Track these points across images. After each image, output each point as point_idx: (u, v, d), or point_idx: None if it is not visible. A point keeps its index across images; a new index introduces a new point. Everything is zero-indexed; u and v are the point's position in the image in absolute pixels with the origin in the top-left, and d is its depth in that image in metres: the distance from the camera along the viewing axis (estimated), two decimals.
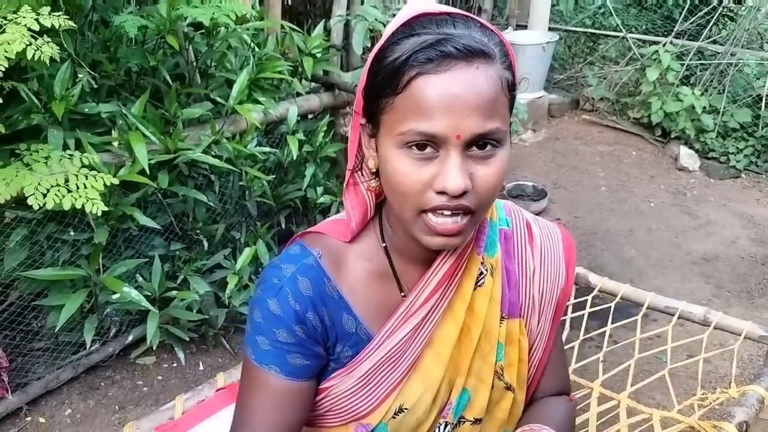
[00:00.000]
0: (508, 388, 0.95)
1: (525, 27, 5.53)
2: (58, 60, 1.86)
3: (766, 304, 3.06)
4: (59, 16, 1.82)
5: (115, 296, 2.22)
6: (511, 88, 0.76)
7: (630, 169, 4.56)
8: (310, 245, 0.86)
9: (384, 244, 0.88)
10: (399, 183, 0.74)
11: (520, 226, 0.97)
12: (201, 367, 2.58)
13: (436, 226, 0.74)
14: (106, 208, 1.91)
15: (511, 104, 0.78)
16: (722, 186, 4.34)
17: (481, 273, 0.90)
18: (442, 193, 0.73)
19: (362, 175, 0.86)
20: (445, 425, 0.93)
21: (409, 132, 0.71)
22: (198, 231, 2.53)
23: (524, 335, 0.94)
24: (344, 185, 0.87)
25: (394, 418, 0.88)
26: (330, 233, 0.88)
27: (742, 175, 4.46)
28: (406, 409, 0.88)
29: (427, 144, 0.72)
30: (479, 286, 0.89)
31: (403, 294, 0.88)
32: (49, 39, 1.80)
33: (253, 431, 0.84)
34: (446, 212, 0.74)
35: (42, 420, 2.31)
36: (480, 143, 0.73)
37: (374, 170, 0.82)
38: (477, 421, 0.94)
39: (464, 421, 0.94)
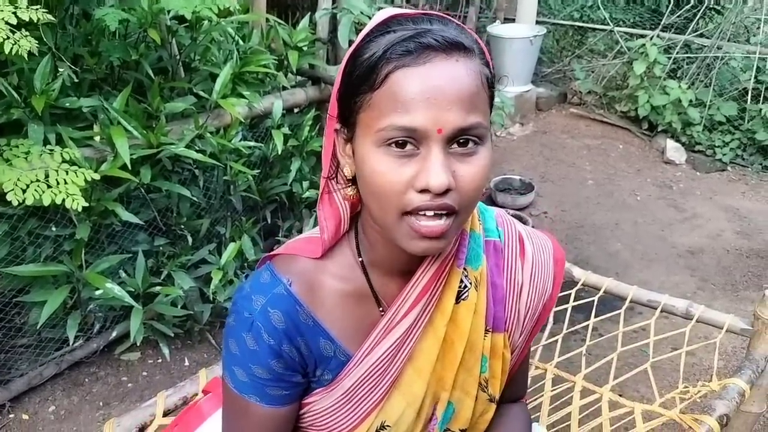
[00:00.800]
0: (492, 400, 0.93)
1: (513, 20, 5.52)
2: (38, 54, 1.84)
3: (750, 297, 3.08)
4: (38, 9, 1.80)
5: (98, 292, 2.20)
6: (491, 85, 0.75)
7: (617, 162, 4.58)
8: (281, 271, 0.83)
9: (360, 259, 0.85)
10: (378, 184, 0.71)
11: (512, 239, 0.94)
12: (186, 363, 2.57)
13: (421, 228, 0.71)
14: (86, 204, 1.90)
15: (491, 102, 0.76)
16: (708, 179, 4.37)
17: (465, 286, 0.87)
18: (424, 191, 0.69)
19: (337, 182, 0.83)
20: None
21: (388, 127, 0.69)
22: (182, 226, 2.51)
23: (508, 349, 0.93)
24: (319, 195, 0.84)
25: None
26: (301, 253, 0.85)
27: (728, 168, 4.49)
28: (388, 426, 0.87)
29: (407, 141, 0.69)
30: (463, 299, 0.87)
31: (381, 310, 0.86)
32: (28, 33, 1.78)
33: None
34: (429, 212, 0.71)
35: (25, 417, 2.30)
36: (461, 140, 0.70)
37: (350, 177, 0.79)
38: (462, 431, 0.93)
39: None
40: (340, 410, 0.86)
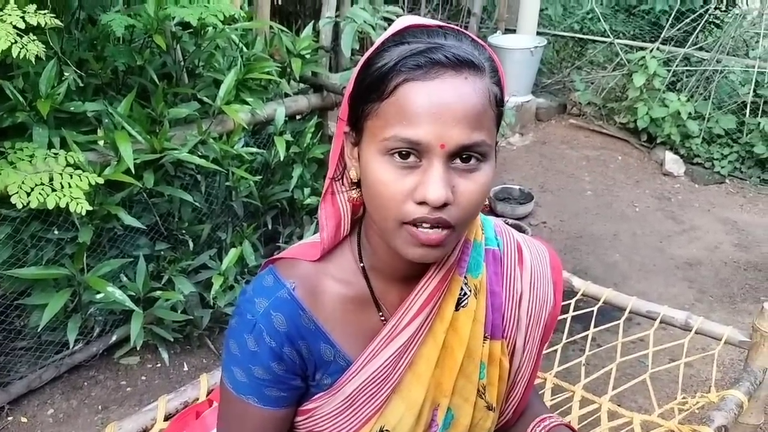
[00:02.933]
0: (489, 408, 0.94)
1: (514, 31, 5.55)
2: (44, 58, 1.85)
3: (748, 309, 3.09)
4: (45, 14, 1.81)
5: (98, 296, 2.20)
6: (499, 103, 0.76)
7: (615, 173, 4.60)
8: (284, 275, 0.84)
9: (361, 264, 0.86)
10: (380, 192, 0.72)
11: (511, 247, 0.95)
12: (185, 368, 2.57)
13: (419, 235, 0.72)
14: (90, 208, 1.90)
15: (498, 120, 0.77)
16: (706, 191, 4.39)
17: (465, 294, 0.88)
18: (422, 204, 0.71)
19: (342, 184, 0.84)
20: None
21: (392, 138, 0.70)
22: (183, 231, 2.52)
23: (505, 356, 0.94)
24: (322, 194, 0.85)
25: None
26: (304, 257, 0.86)
27: (727, 180, 4.51)
28: (387, 430, 0.87)
29: (410, 152, 0.71)
30: (462, 306, 0.88)
31: (381, 315, 0.87)
32: (35, 37, 1.79)
33: None
34: (425, 225, 0.72)
35: (24, 419, 2.30)
36: (464, 156, 0.72)
37: (356, 180, 0.80)
38: None
39: None
40: (341, 415, 0.86)
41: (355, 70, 0.77)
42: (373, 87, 0.72)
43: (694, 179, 4.52)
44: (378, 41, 0.76)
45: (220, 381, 0.88)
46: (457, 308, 0.87)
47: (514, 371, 0.97)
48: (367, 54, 0.76)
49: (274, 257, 0.89)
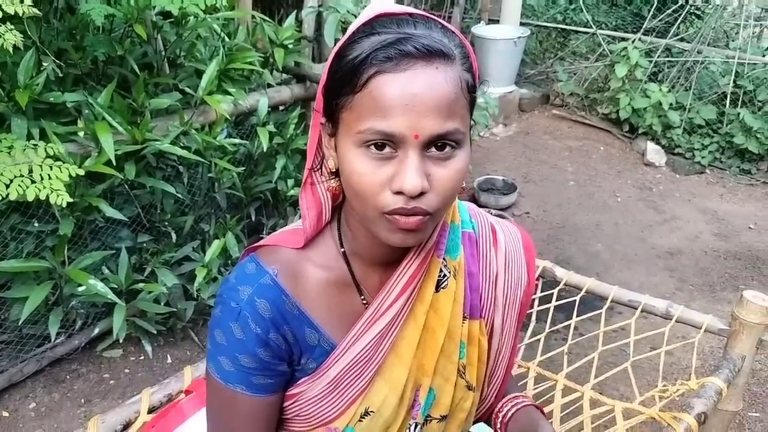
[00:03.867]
0: (470, 388, 0.96)
1: (497, 21, 5.55)
2: (22, 48, 1.82)
3: (727, 298, 3.13)
4: (23, 2, 1.78)
5: (80, 288, 2.18)
6: (471, 90, 0.76)
7: (598, 164, 4.63)
8: (266, 262, 0.85)
9: (342, 250, 0.87)
10: (357, 183, 0.74)
11: (485, 229, 0.98)
12: (169, 360, 2.56)
13: (398, 221, 0.74)
14: (70, 200, 1.88)
15: (471, 106, 0.78)
16: (687, 181, 4.43)
17: (444, 275, 0.90)
18: (399, 193, 0.72)
19: (321, 174, 0.85)
20: (415, 426, 0.93)
21: (367, 131, 0.71)
22: (166, 223, 2.50)
23: (484, 336, 0.96)
24: (302, 185, 0.86)
25: (361, 421, 0.88)
26: (285, 244, 0.87)
27: (707, 170, 4.56)
28: (372, 412, 0.88)
29: (386, 143, 0.72)
30: (442, 288, 0.90)
31: (363, 298, 0.88)
32: (13, 26, 1.76)
33: None
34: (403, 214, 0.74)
35: (5, 414, 2.28)
36: (439, 144, 0.73)
37: (334, 170, 0.81)
38: (443, 418, 0.96)
39: (431, 419, 0.95)
40: (325, 398, 0.87)
41: (328, 61, 0.77)
42: (346, 80, 0.73)
43: (675, 169, 4.57)
44: (348, 31, 0.76)
45: (205, 372, 0.88)
46: (437, 290, 0.89)
47: (494, 352, 0.99)
48: (338, 45, 0.76)
49: (255, 245, 0.89)
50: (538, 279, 2.12)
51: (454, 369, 0.93)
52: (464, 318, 0.93)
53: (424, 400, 0.92)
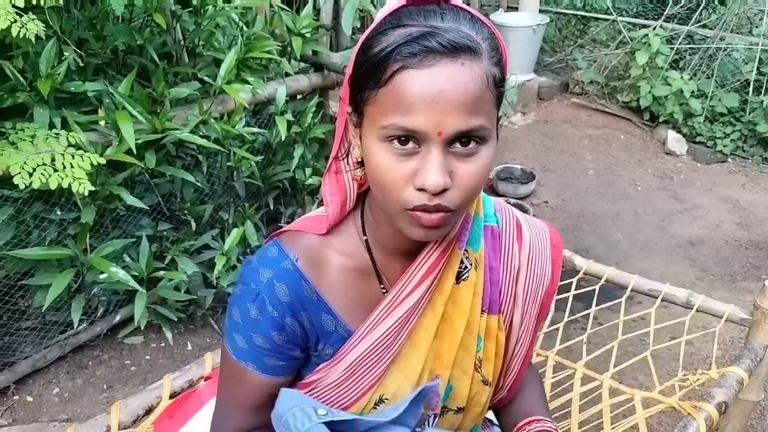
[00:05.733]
0: (485, 382, 0.96)
1: (516, 9, 5.50)
2: (44, 37, 1.84)
3: (748, 288, 3.10)
4: None
5: (102, 276, 2.21)
6: (499, 84, 0.75)
7: (618, 152, 4.58)
8: (288, 247, 0.85)
9: (365, 238, 0.88)
10: (380, 177, 0.74)
11: (510, 224, 0.97)
12: (189, 347, 2.59)
13: (421, 218, 0.74)
14: (93, 188, 1.91)
15: (498, 101, 0.76)
16: (709, 170, 4.38)
17: (465, 267, 0.90)
18: (421, 189, 0.72)
19: (347, 163, 0.85)
20: (434, 417, 0.94)
21: (390, 126, 0.71)
22: (186, 211, 2.52)
23: (502, 331, 0.96)
24: (325, 172, 0.86)
25: (375, 408, 0.89)
26: (308, 230, 0.87)
27: (729, 159, 4.50)
28: (386, 399, 0.89)
29: (409, 138, 0.72)
30: (463, 279, 0.90)
31: (382, 287, 0.89)
32: (35, 16, 1.78)
33: (230, 418, 0.89)
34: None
35: (30, 399, 2.32)
36: (463, 140, 0.72)
37: (359, 159, 0.81)
38: (459, 410, 0.96)
39: (447, 411, 0.96)
40: (343, 384, 0.88)
41: (354, 52, 0.76)
42: (371, 73, 0.72)
43: (696, 158, 4.51)
44: (374, 22, 0.75)
45: (221, 344, 0.90)
46: (458, 281, 0.89)
47: (511, 347, 0.99)
48: (364, 35, 0.75)
49: (279, 230, 0.90)
50: None
51: (471, 362, 0.93)
52: (482, 312, 0.93)
53: (443, 391, 0.92)
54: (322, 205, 0.90)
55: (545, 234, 1.00)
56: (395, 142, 0.72)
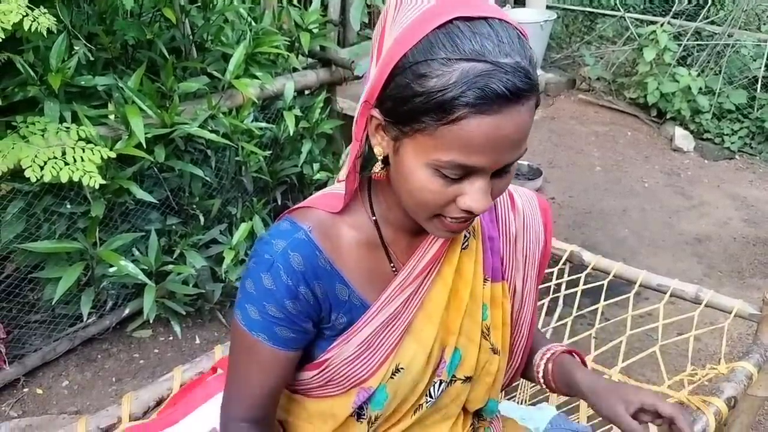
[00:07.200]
0: (495, 351, 0.99)
1: (523, 4, 5.50)
2: (54, 31, 1.85)
3: (756, 284, 3.09)
4: None
5: (111, 269, 2.23)
6: (537, 103, 0.75)
7: (625, 149, 4.58)
8: (300, 220, 0.87)
9: (374, 218, 0.89)
10: (423, 197, 0.76)
11: (503, 194, 1.00)
12: (197, 341, 2.60)
13: (451, 225, 0.79)
14: (103, 182, 1.92)
15: None
16: (716, 167, 4.37)
17: (466, 236, 0.94)
18: (464, 210, 0.76)
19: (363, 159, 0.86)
20: (440, 383, 0.96)
21: (449, 163, 0.72)
22: (194, 206, 2.53)
23: (507, 298, 1.00)
24: (347, 173, 0.85)
25: (392, 378, 0.91)
26: (319, 206, 0.89)
27: (736, 156, 4.48)
28: (402, 368, 0.91)
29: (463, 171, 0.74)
30: (464, 249, 0.94)
31: (392, 264, 0.91)
32: (46, 10, 1.79)
33: (240, 391, 0.90)
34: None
35: (39, 391, 2.34)
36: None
37: (380, 158, 0.80)
38: (467, 379, 0.98)
39: (456, 380, 0.98)
40: (359, 358, 0.90)
41: (389, 59, 0.72)
42: (431, 109, 0.70)
43: (703, 155, 4.50)
44: (417, 33, 0.71)
45: (232, 321, 0.90)
46: (460, 251, 0.94)
47: (516, 312, 1.03)
48: (405, 47, 0.71)
49: (290, 209, 0.92)
50: (565, 264, 2.11)
51: (478, 330, 0.96)
52: (485, 280, 0.97)
53: (450, 358, 0.95)
54: None
55: (534, 200, 1.06)
56: (447, 172, 0.73)
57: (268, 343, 0.86)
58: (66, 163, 1.87)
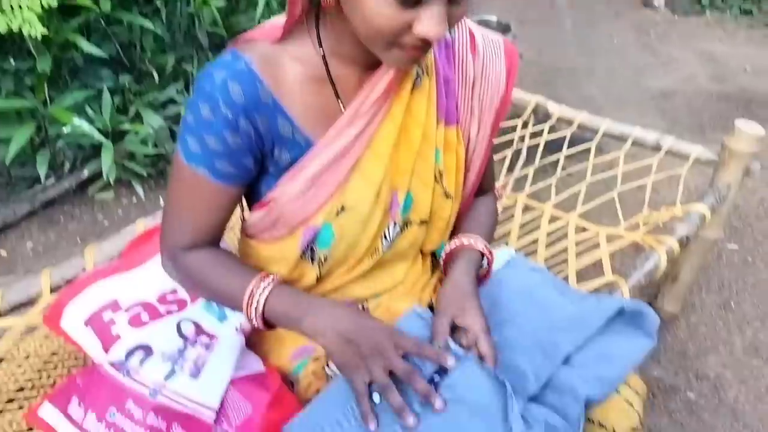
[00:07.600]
0: (447, 195, 0.98)
1: None
2: None
3: (717, 138, 3.11)
4: None
5: (65, 128, 2.15)
6: None
7: (596, 5, 4.46)
8: (243, 51, 0.83)
9: (321, 49, 0.85)
10: (378, 23, 0.72)
11: (463, 34, 0.96)
12: (161, 202, 2.58)
13: (409, 53, 0.76)
14: (45, 32, 1.80)
15: None
16: (686, 23, 4.30)
17: (417, 74, 0.90)
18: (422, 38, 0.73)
19: None
20: (394, 225, 0.96)
21: None
22: (147, 62, 2.42)
23: (461, 144, 0.97)
24: None
25: (337, 216, 0.90)
26: (263, 37, 0.85)
27: (707, 12, 4.40)
28: (348, 207, 0.90)
29: None
30: (416, 87, 0.90)
31: (339, 100, 0.88)
32: None
33: (181, 226, 0.90)
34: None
35: (3, 253, 2.32)
36: None
37: None
38: (423, 222, 0.99)
39: (411, 223, 0.98)
40: (304, 196, 0.89)
41: None
42: None
43: (674, 10, 4.41)
44: None
45: (174, 155, 0.88)
46: (411, 89, 0.90)
47: (469, 158, 1.01)
48: None
49: (235, 39, 0.87)
50: (529, 116, 2.10)
51: (430, 173, 0.95)
52: (438, 121, 0.94)
53: (403, 200, 0.94)
54: None
55: (499, 44, 0.99)
56: None
57: (208, 176, 0.85)
58: (3, 11, 1.74)
